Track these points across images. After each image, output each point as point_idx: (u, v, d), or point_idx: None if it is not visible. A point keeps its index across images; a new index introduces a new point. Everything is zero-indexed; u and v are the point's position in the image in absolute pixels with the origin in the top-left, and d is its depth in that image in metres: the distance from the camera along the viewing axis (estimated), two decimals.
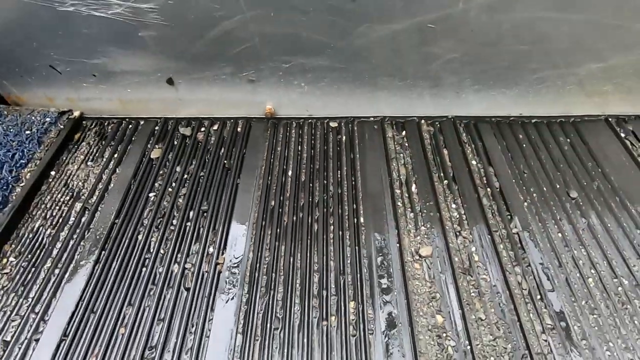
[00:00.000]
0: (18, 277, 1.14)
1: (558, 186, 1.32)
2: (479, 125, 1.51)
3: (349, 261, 1.15)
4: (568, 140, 1.46)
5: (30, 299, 1.09)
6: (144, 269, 1.15)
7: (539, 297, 1.07)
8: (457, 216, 1.25)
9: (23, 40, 1.30)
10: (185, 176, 1.38)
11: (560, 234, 1.20)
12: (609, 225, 1.21)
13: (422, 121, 1.53)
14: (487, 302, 1.06)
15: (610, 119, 1.51)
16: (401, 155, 1.44)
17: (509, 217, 1.24)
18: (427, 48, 1.29)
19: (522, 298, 1.07)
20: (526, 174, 1.36)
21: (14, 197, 1.30)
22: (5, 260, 1.18)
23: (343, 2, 1.16)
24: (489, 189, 1.32)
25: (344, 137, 1.50)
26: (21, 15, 1.22)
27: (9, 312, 1.07)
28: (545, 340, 0.99)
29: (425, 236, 1.20)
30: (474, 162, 1.40)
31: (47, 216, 1.28)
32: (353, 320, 1.04)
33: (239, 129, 1.54)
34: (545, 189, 1.31)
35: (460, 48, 1.30)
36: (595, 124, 1.51)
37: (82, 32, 1.25)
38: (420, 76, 1.40)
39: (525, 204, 1.27)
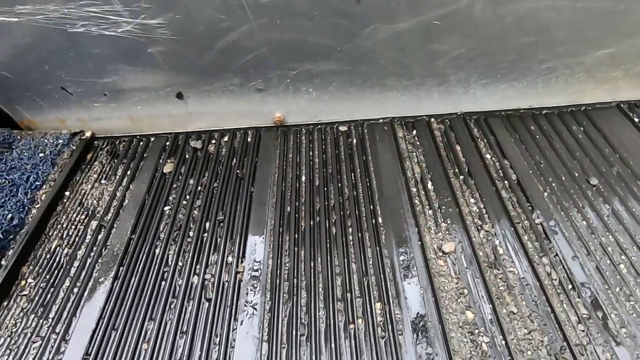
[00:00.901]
0: (37, 298, 1.13)
1: (577, 174, 1.30)
2: (490, 120, 1.50)
3: (370, 262, 1.13)
4: (581, 128, 1.44)
5: (50, 320, 1.08)
6: (163, 283, 1.13)
7: (570, 286, 1.03)
8: (477, 210, 1.23)
9: (35, 64, 1.32)
10: (199, 188, 1.38)
11: (584, 222, 1.17)
12: (633, 210, 1.18)
13: (432, 119, 1.53)
14: (517, 295, 1.03)
15: (622, 105, 1.50)
16: (414, 154, 1.42)
17: (530, 208, 1.22)
18: (433, 45, 1.30)
19: (553, 289, 1.03)
20: (542, 165, 1.34)
21: (30, 219, 1.30)
22: (23, 282, 1.17)
23: (348, 4, 1.17)
24: (506, 182, 1.30)
25: (354, 140, 1.50)
26: (33, 39, 1.24)
27: (29, 334, 1.05)
28: (583, 331, 0.95)
29: (447, 232, 1.18)
30: (488, 156, 1.39)
31: (64, 236, 1.28)
32: (381, 321, 1.01)
33: (249, 139, 1.55)
34: (563, 178, 1.29)
35: (466, 43, 1.31)
36: (607, 111, 1.49)
37: (93, 52, 1.27)
38: (428, 74, 1.40)
39: (545, 194, 1.25)
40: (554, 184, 1.28)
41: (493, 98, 1.50)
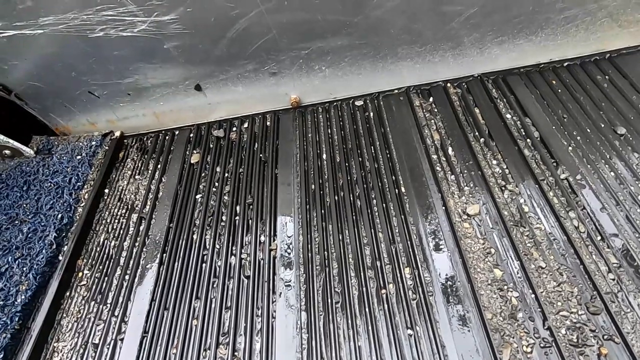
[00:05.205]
0: (94, 286, 1.24)
1: (602, 125, 1.27)
2: (508, 79, 1.47)
3: (397, 230, 1.17)
4: (606, 77, 1.39)
5: (109, 305, 1.19)
6: (204, 265, 1.22)
7: (599, 238, 1.04)
8: (500, 171, 1.23)
9: (63, 71, 1.40)
10: (226, 175, 1.44)
11: (612, 173, 1.15)
12: None
13: (448, 84, 1.51)
14: (545, 250, 1.04)
15: None
16: (432, 121, 1.43)
17: (555, 164, 1.21)
18: (445, 7, 1.27)
19: (581, 241, 1.04)
20: (566, 119, 1.31)
21: (77, 217, 1.41)
22: (80, 274, 1.29)
23: None
24: (528, 140, 1.29)
25: (371, 114, 1.51)
26: (59, 48, 1.31)
27: (92, 318, 1.17)
28: (614, 279, 0.96)
29: (470, 195, 1.20)
30: (508, 116, 1.37)
31: (109, 230, 1.38)
32: (411, 285, 1.05)
33: (268, 123, 1.59)
34: (589, 130, 1.27)
35: (478, 0, 1.27)
36: (633, 56, 1.43)
37: (114, 54, 1.33)
38: (441, 38, 1.38)
39: (570, 148, 1.23)
40: (578, 138, 1.25)
41: (510, 55, 1.46)
